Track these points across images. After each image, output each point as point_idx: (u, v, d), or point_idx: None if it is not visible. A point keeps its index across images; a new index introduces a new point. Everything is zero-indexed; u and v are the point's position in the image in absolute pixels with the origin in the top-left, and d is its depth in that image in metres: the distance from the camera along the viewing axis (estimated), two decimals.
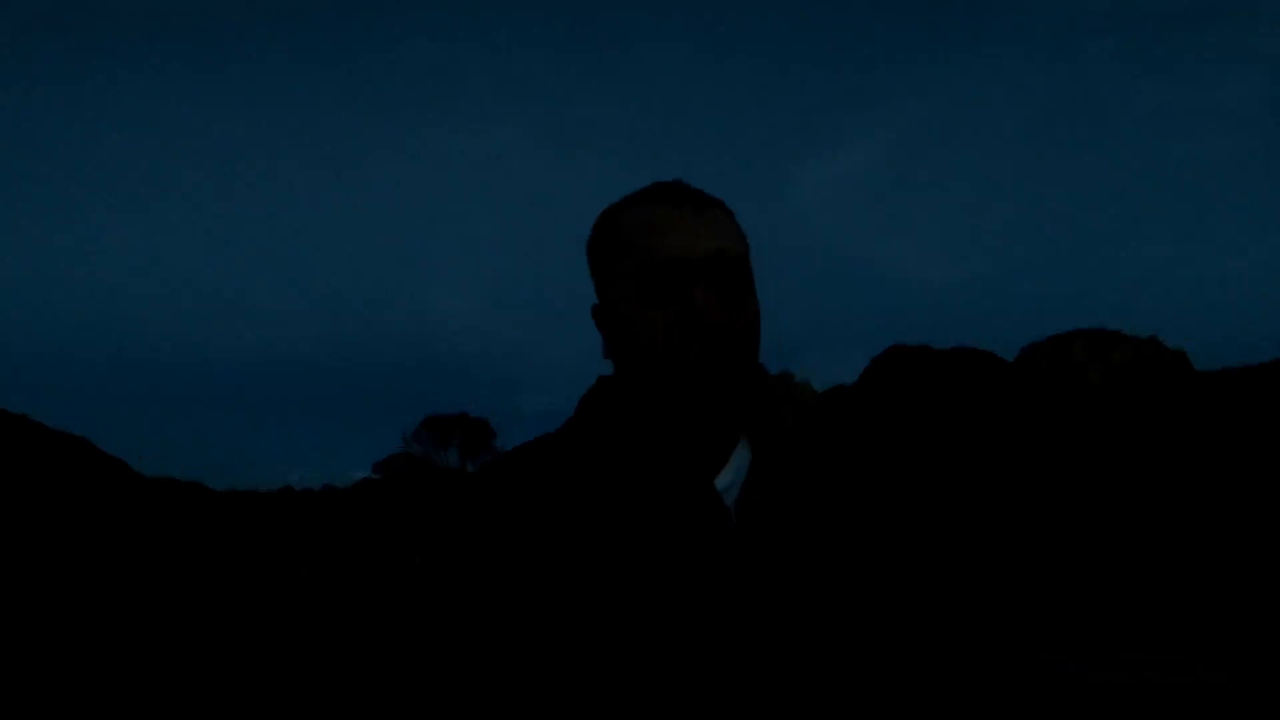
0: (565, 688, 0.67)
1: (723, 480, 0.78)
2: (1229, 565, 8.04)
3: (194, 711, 4.71)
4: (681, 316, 0.73)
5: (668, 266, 0.74)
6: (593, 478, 0.76)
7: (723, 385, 0.74)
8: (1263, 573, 7.51)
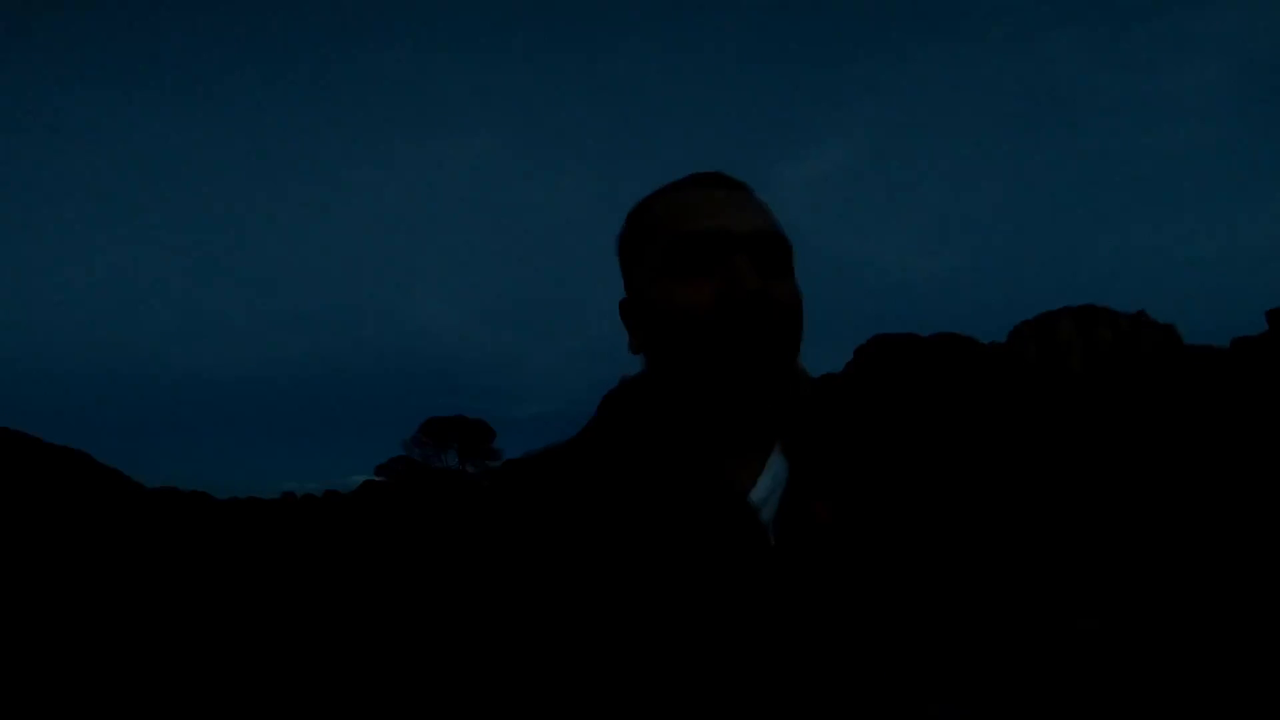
0: (580, 712, 0.63)
1: (759, 492, 0.71)
2: (1226, 536, 8.12)
3: (201, 713, 4.79)
4: (727, 285, 0.68)
5: (709, 238, 0.69)
6: (616, 487, 0.70)
7: (767, 364, 0.69)
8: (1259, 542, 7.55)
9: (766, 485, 0.71)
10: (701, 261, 0.70)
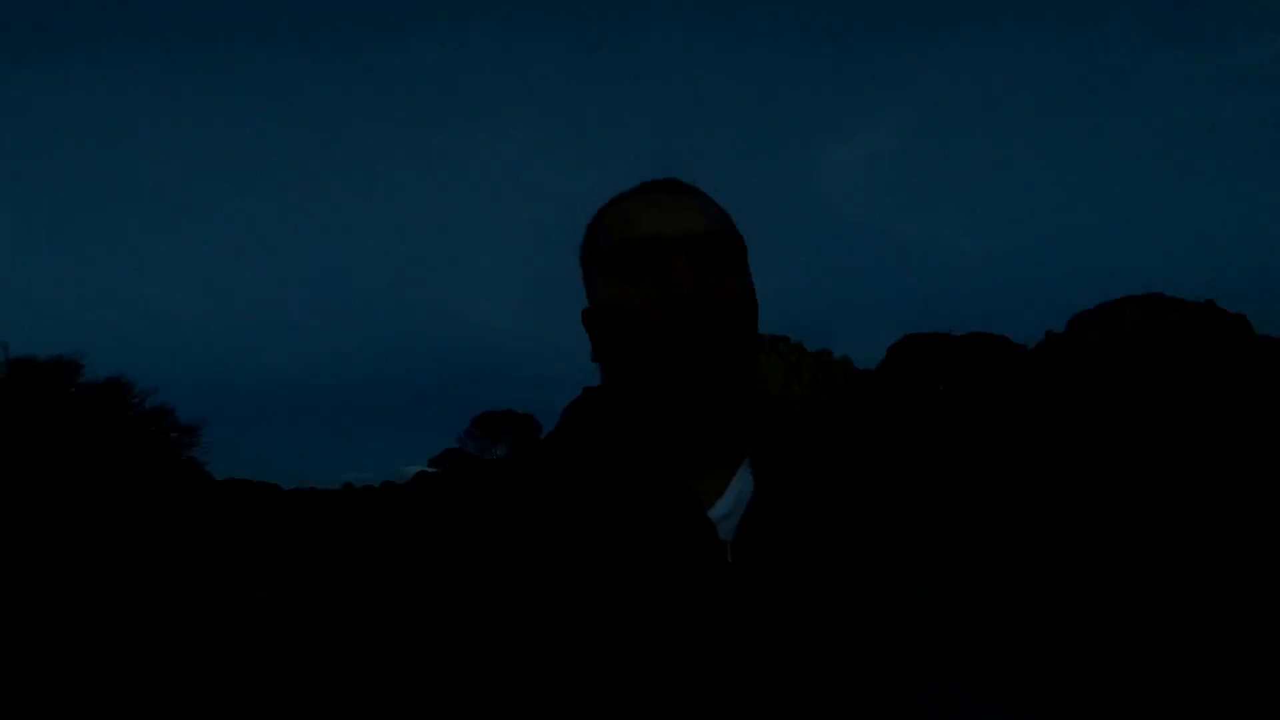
0: None
1: (719, 509, 0.69)
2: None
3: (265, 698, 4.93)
4: (652, 292, 0.68)
5: (640, 245, 0.70)
6: (574, 500, 0.68)
7: (705, 364, 0.67)
8: None
9: (729, 502, 0.70)
10: (635, 267, 0.70)
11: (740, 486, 0.71)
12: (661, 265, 0.69)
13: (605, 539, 0.66)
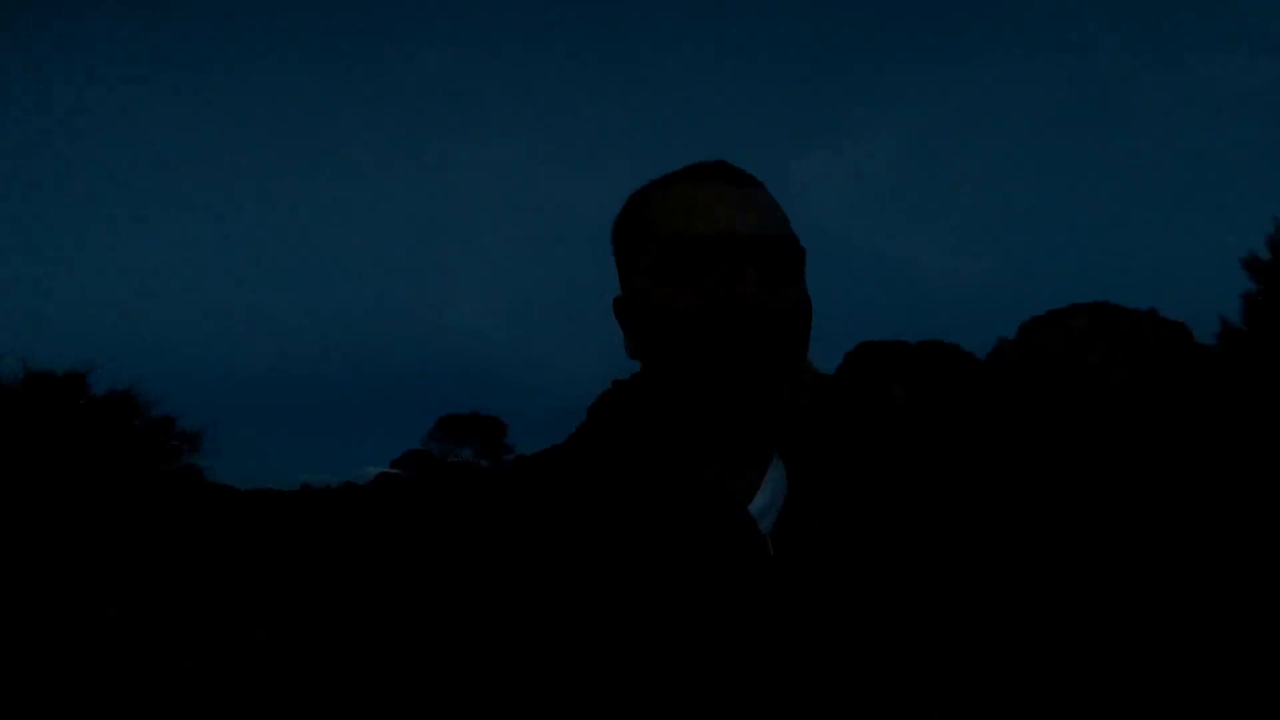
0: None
1: (758, 503, 0.69)
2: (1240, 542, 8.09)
3: (217, 705, 4.79)
4: (716, 295, 0.65)
5: (702, 243, 0.66)
6: (606, 498, 0.67)
7: (762, 376, 0.66)
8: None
9: (766, 497, 0.70)
10: (698, 267, 0.66)
11: (775, 483, 0.71)
12: (727, 267, 0.66)
13: (646, 536, 0.65)
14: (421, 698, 0.63)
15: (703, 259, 0.67)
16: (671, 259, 0.68)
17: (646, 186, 0.74)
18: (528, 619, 0.62)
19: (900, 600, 0.70)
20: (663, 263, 0.68)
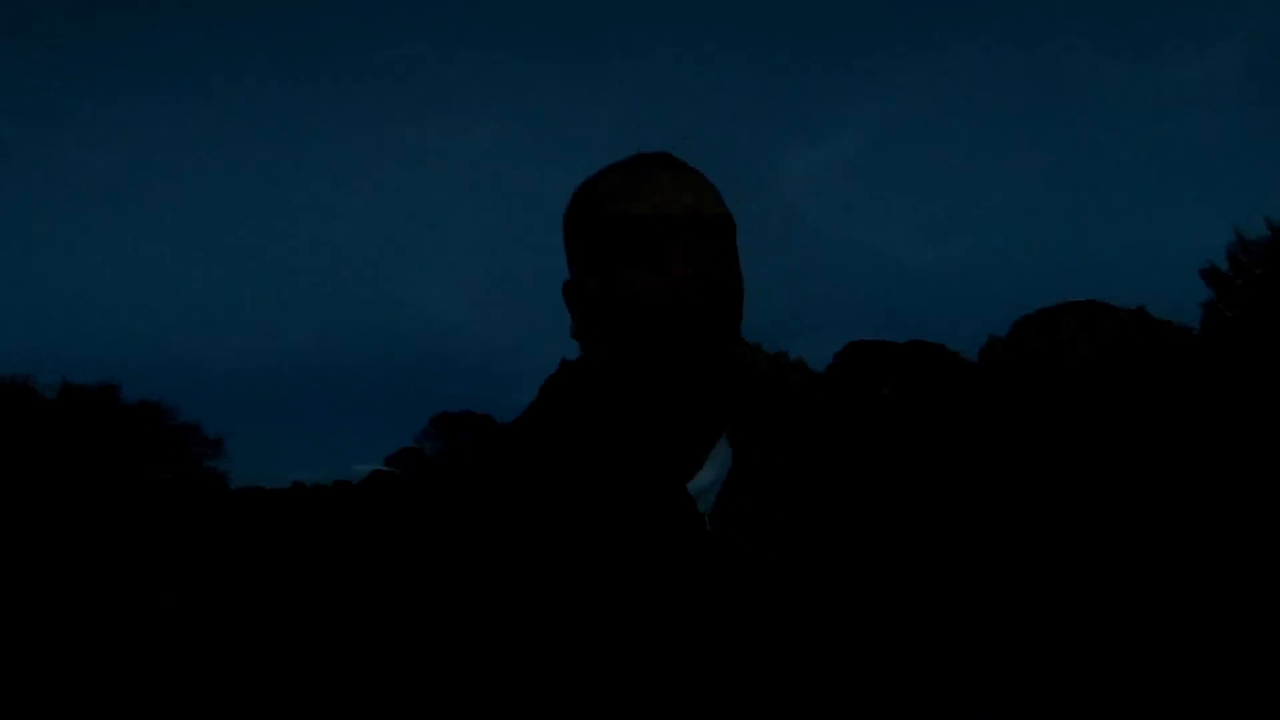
0: (518, 695, 0.64)
1: (699, 482, 0.72)
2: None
3: (209, 705, 4.84)
4: (660, 278, 0.70)
5: (640, 223, 0.70)
6: (554, 474, 0.70)
7: (704, 350, 0.70)
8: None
9: (709, 476, 0.72)
10: (640, 247, 0.70)
11: (719, 461, 0.73)
12: (664, 247, 0.70)
13: (589, 515, 0.68)
14: (406, 690, 0.67)
15: (640, 239, 0.71)
16: (614, 240, 0.72)
17: (591, 177, 0.79)
18: (489, 605, 0.66)
19: (834, 582, 0.72)
20: (607, 244, 0.72)
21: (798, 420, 0.81)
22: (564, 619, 0.65)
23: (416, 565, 0.70)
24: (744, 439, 0.76)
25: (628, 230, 0.71)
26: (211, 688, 5.23)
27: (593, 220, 0.75)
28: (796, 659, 0.69)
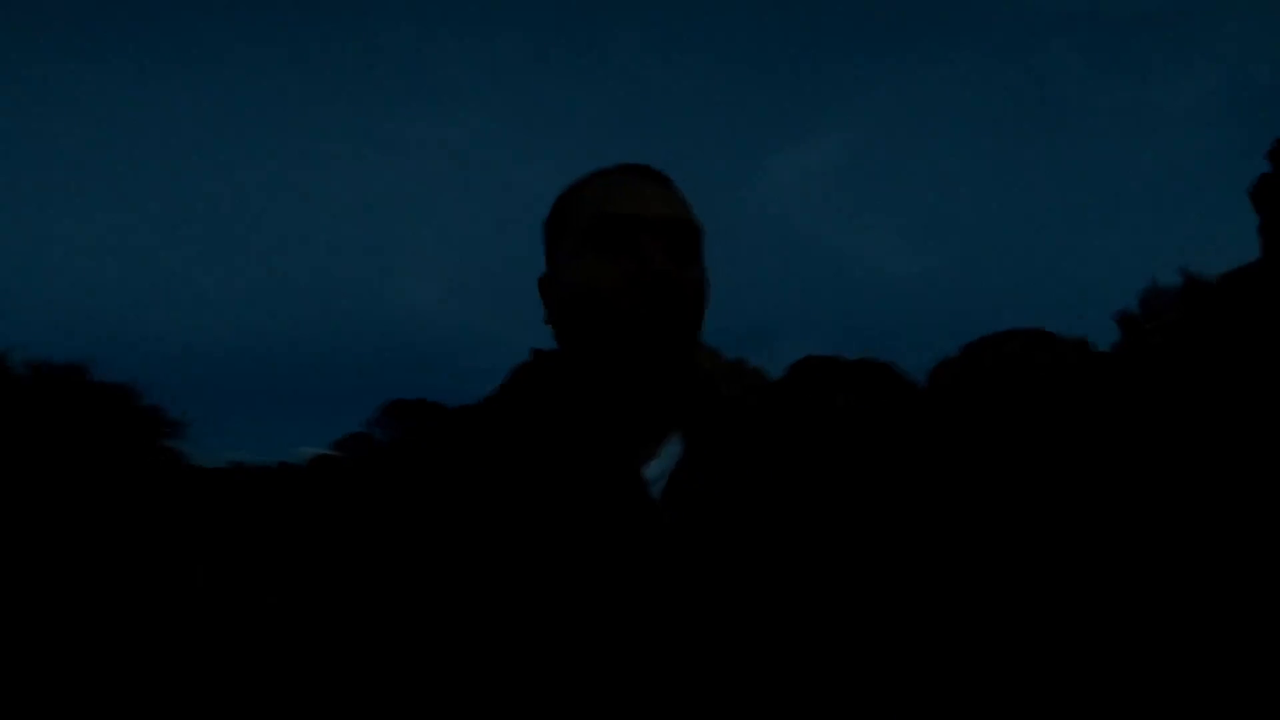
0: (463, 681, 0.63)
1: (653, 470, 0.74)
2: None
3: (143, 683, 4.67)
4: (633, 268, 0.73)
5: (618, 221, 0.75)
6: (513, 458, 0.71)
7: (666, 340, 0.73)
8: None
9: (661, 465, 0.75)
10: (615, 242, 0.75)
11: (672, 451, 0.77)
12: (637, 244, 0.75)
13: (545, 499, 0.69)
14: (347, 673, 0.65)
15: (618, 235, 0.75)
16: (591, 235, 0.76)
17: (576, 181, 0.83)
18: (433, 584, 0.66)
19: (783, 570, 0.73)
20: (584, 240, 0.76)
21: (750, 421, 0.82)
22: (508, 603, 0.65)
23: (351, 549, 0.69)
24: (696, 435, 0.78)
25: (608, 226, 0.76)
26: (145, 663, 5.10)
27: (575, 217, 0.79)
28: (747, 646, 0.69)
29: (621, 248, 0.75)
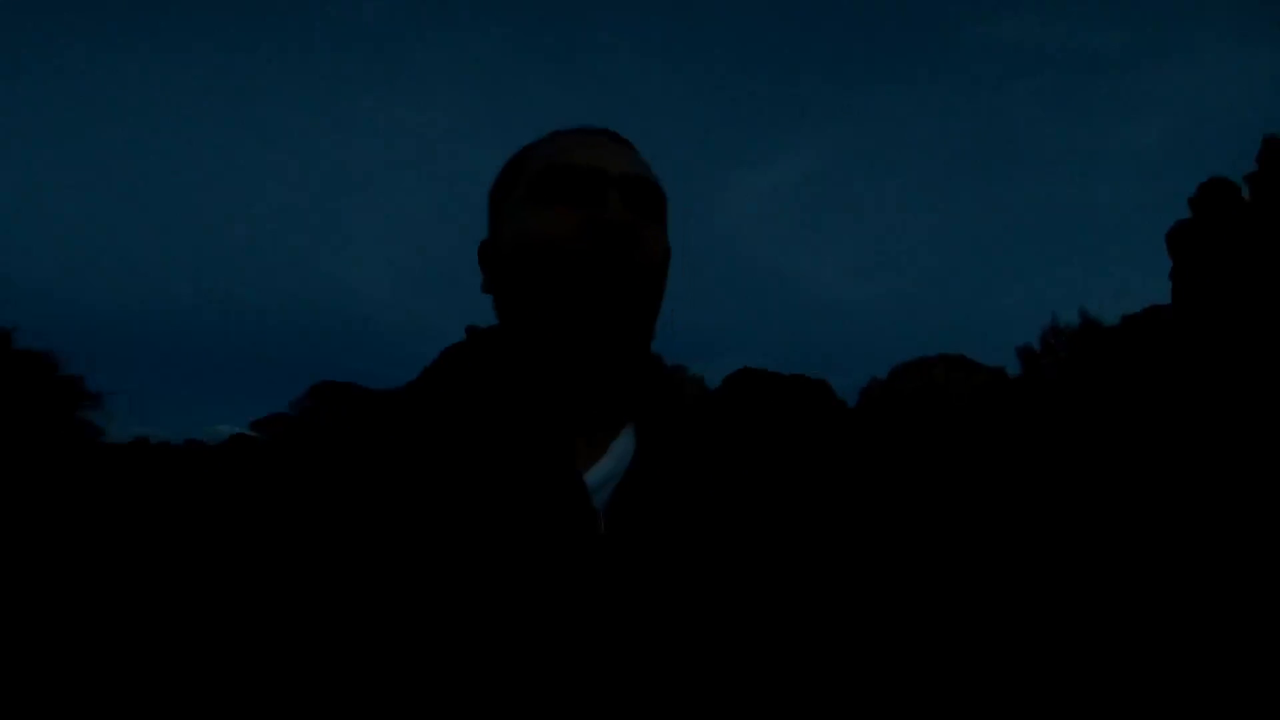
0: (384, 691, 0.55)
1: (597, 474, 0.65)
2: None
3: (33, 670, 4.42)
4: (594, 214, 0.64)
5: (575, 171, 0.66)
6: (431, 453, 0.62)
7: (631, 302, 0.64)
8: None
9: (608, 467, 0.66)
10: (571, 192, 0.66)
11: (622, 451, 0.67)
12: (597, 196, 0.66)
13: (460, 503, 0.60)
14: (242, 662, 0.57)
15: (575, 186, 0.66)
16: (544, 185, 0.67)
17: (529, 144, 0.75)
18: (340, 581, 0.57)
19: (726, 585, 0.65)
20: (535, 190, 0.68)
21: (705, 424, 0.75)
22: (436, 619, 0.56)
23: (244, 536, 0.60)
24: (651, 433, 0.69)
25: (564, 175, 0.67)
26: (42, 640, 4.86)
27: (524, 174, 0.70)
28: (682, 662, 0.61)
29: (579, 199, 0.66)
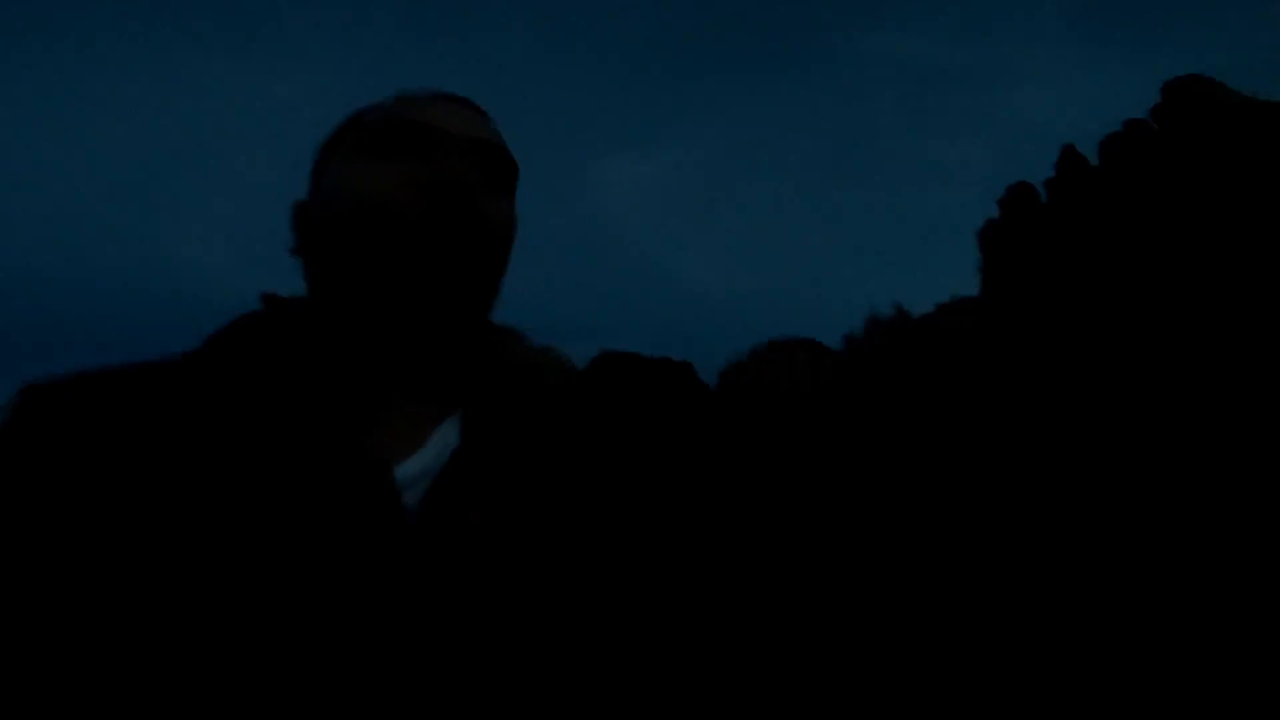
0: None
1: (411, 467, 0.57)
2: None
3: None
4: (434, 172, 0.57)
5: (423, 128, 0.59)
6: (220, 430, 0.54)
7: (467, 273, 0.57)
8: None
9: (426, 460, 0.58)
10: (409, 149, 0.59)
11: (442, 444, 0.60)
12: (439, 157, 0.59)
13: (239, 495, 0.52)
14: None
15: (415, 143, 0.59)
16: (381, 140, 0.60)
17: (370, 103, 0.66)
18: (106, 581, 0.49)
19: (530, 591, 0.58)
20: (370, 145, 0.60)
21: (547, 410, 0.68)
22: (216, 629, 0.50)
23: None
24: (478, 422, 0.63)
25: (402, 131, 0.60)
26: None
27: (364, 124, 0.63)
28: (486, 668, 0.55)
29: (418, 158, 0.59)
